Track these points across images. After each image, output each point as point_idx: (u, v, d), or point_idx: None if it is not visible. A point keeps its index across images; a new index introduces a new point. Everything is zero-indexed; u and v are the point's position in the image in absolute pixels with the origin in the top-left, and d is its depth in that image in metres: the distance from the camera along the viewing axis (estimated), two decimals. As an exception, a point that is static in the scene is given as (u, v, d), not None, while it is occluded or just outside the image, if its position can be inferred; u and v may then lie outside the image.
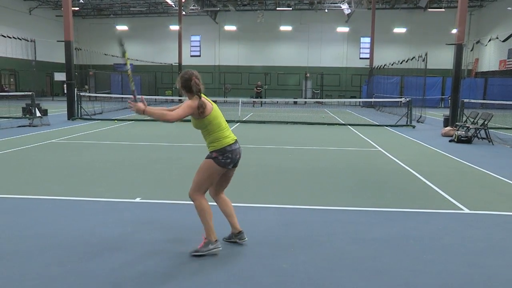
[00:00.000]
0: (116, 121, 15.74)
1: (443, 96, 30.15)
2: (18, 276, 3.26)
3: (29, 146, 9.51)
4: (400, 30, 37.10)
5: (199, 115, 3.58)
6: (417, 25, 37.12)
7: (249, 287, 3.16)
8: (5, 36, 17.97)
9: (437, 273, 3.42)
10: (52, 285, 3.14)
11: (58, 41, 17.17)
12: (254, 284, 3.20)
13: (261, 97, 28.80)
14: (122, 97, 26.12)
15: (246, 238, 3.94)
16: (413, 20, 37.19)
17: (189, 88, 3.61)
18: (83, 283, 3.16)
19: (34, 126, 13.30)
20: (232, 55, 39.94)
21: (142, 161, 8.07)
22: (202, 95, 3.64)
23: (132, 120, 16.17)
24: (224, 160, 3.65)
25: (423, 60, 17.03)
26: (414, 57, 18.74)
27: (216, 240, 3.71)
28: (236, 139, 3.76)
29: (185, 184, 6.18)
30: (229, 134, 3.73)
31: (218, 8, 37.11)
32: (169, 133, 12.38)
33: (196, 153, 9.00)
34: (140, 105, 3.44)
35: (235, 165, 3.82)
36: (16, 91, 30.03)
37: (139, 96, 3.56)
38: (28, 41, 17.13)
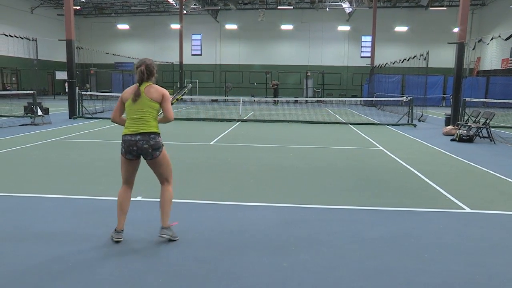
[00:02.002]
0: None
1: (444, 95, 30.10)
2: (18, 274, 3.27)
3: (31, 144, 9.52)
4: (401, 28, 37.03)
5: None
6: (419, 23, 37.05)
7: (249, 285, 3.15)
8: (7, 35, 18.00)
9: (438, 272, 3.42)
10: (53, 283, 3.14)
11: (59, 40, 17.16)
12: (254, 282, 3.19)
13: (277, 95, 29.27)
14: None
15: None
16: (415, 19, 37.12)
17: None
18: (83, 281, 3.17)
19: (35, 124, 13.33)
20: (233, 54, 39.93)
21: (142, 159, 8.05)
22: (143, 85, 3.86)
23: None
24: (121, 148, 3.96)
25: (425, 59, 17.00)
26: (415, 56, 18.71)
27: (116, 229, 3.92)
28: (134, 132, 3.87)
29: (185, 183, 6.20)
30: (128, 126, 3.87)
31: (219, 7, 37.11)
32: (169, 132, 12.37)
33: (195, 152, 9.01)
34: None
35: (141, 157, 4.06)
36: (18, 90, 30.07)
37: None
38: (29, 40, 17.17)
